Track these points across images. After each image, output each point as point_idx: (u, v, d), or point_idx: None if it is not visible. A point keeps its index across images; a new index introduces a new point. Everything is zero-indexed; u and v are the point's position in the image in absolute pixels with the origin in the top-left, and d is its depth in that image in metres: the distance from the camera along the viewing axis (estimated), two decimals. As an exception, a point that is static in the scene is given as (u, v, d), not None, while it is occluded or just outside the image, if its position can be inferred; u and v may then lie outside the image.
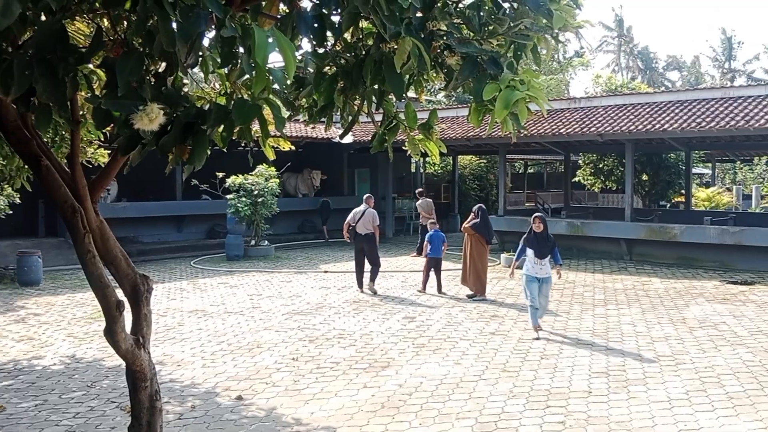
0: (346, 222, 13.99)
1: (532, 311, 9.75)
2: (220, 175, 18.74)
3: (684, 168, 23.87)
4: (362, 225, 13.69)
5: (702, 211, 24.00)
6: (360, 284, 13.78)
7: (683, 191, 24.50)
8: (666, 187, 24.95)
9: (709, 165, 35.86)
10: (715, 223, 17.98)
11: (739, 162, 39.83)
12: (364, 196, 14.52)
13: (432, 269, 13.49)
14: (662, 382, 7.61)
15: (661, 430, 6.20)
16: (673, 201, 26.59)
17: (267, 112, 3.15)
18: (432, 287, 13.47)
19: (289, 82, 3.86)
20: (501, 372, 8.02)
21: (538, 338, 9.56)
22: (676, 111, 17.57)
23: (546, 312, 10.14)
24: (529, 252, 9.74)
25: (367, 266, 13.81)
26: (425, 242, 13.66)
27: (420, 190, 20.19)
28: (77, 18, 3.79)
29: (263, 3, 3.37)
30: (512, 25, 3.34)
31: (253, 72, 2.50)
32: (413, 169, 28.57)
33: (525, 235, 10.00)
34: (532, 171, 40.80)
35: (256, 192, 18.67)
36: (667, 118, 17.20)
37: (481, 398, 7.09)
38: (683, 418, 6.45)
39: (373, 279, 13.70)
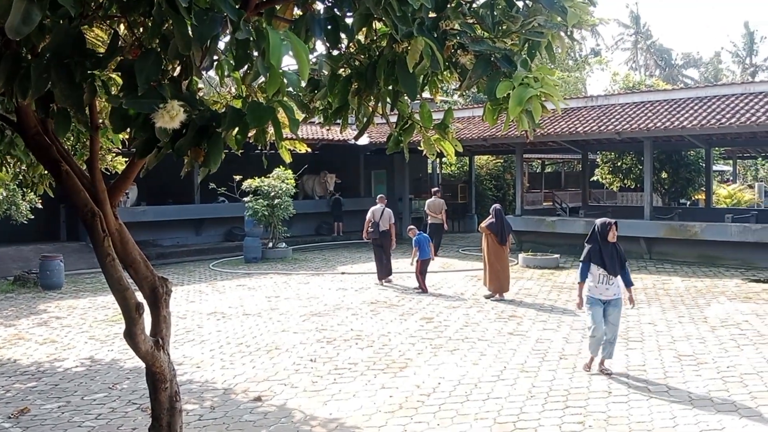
0: (367, 220, 14.91)
1: (593, 340, 7.86)
2: (237, 178, 18.85)
3: (704, 165, 23.65)
4: (382, 223, 14.73)
5: (723, 208, 23.76)
6: (380, 276, 14.88)
7: (703, 189, 24.28)
8: (686, 184, 24.71)
9: (730, 162, 35.48)
10: (737, 221, 17.79)
11: (760, 158, 39.34)
12: (378, 196, 15.78)
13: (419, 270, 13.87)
14: (683, 382, 7.54)
15: (682, 429, 6.14)
16: (693, 199, 26.35)
17: (281, 114, 3.17)
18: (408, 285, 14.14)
19: (303, 84, 3.88)
20: (519, 372, 8.00)
21: (609, 373, 7.78)
22: (695, 108, 17.42)
23: (613, 345, 7.93)
24: (594, 269, 7.89)
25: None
26: (415, 247, 13.87)
27: (435, 189, 20.35)
28: (95, 24, 3.84)
29: (278, 7, 3.40)
30: (525, 22, 3.33)
31: (267, 74, 2.52)
32: (430, 170, 28.54)
33: (588, 249, 7.99)
34: (549, 170, 40.59)
35: (272, 194, 18.76)
36: (686, 115, 17.05)
37: (499, 399, 7.07)
38: (705, 418, 6.39)
39: (387, 275, 14.90)
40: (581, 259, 8.07)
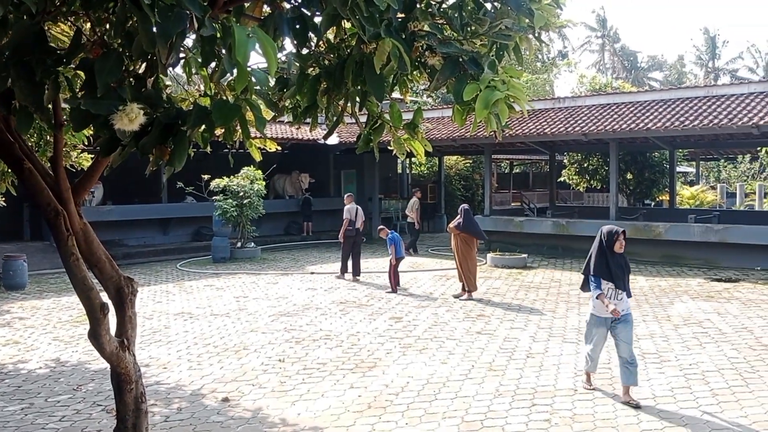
0: (347, 220, 15.23)
1: (590, 358, 7.28)
2: (206, 177, 18.70)
3: (668, 166, 24.05)
4: (358, 221, 15.34)
5: (686, 209, 24.18)
6: (343, 271, 15.43)
7: (667, 190, 24.68)
8: (650, 185, 25.12)
9: (693, 163, 36.12)
10: (700, 221, 18.13)
11: (723, 160, 40.18)
12: (347, 195, 16.17)
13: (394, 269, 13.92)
14: (647, 379, 7.65)
15: (646, 426, 6.24)
16: (657, 199, 26.79)
17: (249, 113, 3.15)
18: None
19: (272, 82, 3.87)
20: (487, 371, 8.05)
21: (592, 388, 7.29)
22: (660, 110, 17.69)
23: (635, 367, 6.97)
24: (602, 284, 7.05)
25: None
26: (391, 245, 13.87)
27: (415, 189, 21.26)
28: (60, 20, 3.78)
29: (246, 4, 3.38)
30: (493, 25, 3.36)
31: (234, 71, 2.51)
32: (399, 170, 28.59)
33: (594, 261, 7.09)
34: (517, 171, 40.94)
35: (241, 194, 18.64)
36: (651, 117, 17.32)
37: (467, 397, 7.11)
38: (668, 415, 6.50)
39: (358, 274, 15.28)
40: (592, 272, 7.09)
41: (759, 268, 15.64)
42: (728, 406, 6.74)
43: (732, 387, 7.32)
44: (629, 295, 7.21)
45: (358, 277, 15.19)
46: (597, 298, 7.05)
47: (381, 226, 15.08)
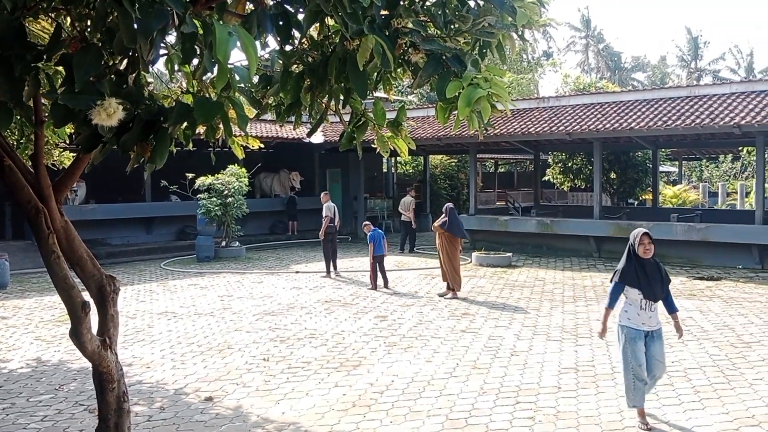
0: (329, 218, 15.42)
1: (636, 385, 6.12)
2: (190, 175, 18.59)
3: (651, 166, 24.22)
4: (336, 218, 15.69)
5: (669, 208, 24.37)
6: (332, 269, 15.58)
7: (650, 189, 24.86)
8: (633, 185, 25.30)
9: (676, 163, 36.41)
10: (682, 220, 18.26)
11: (705, 160, 40.54)
12: (324, 193, 16.57)
13: (378, 266, 13.96)
14: (630, 376, 7.69)
15: (629, 423, 6.28)
16: (640, 199, 26.97)
17: (231, 111, 3.14)
18: (380, 284, 14.04)
19: (255, 79, 3.85)
20: (471, 369, 8.07)
21: (649, 429, 6.08)
22: (643, 110, 17.81)
23: (655, 384, 6.49)
24: (632, 293, 6.24)
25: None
26: (370, 243, 13.96)
27: (409, 188, 21.28)
28: (41, 16, 3.75)
29: (229, 1, 3.36)
30: (476, 22, 3.36)
31: (215, 69, 2.49)
32: (385, 169, 28.59)
33: (621, 267, 6.28)
34: (502, 170, 41.05)
35: (225, 192, 18.56)
36: (634, 117, 17.43)
37: (451, 395, 7.13)
38: (651, 412, 6.53)
39: (335, 267, 15.70)
40: (616, 278, 6.33)
41: (740, 267, 15.80)
42: (710, 403, 6.79)
43: (714, 384, 7.38)
44: (675, 309, 6.49)
45: (338, 272, 15.52)
46: (611, 308, 6.43)
47: (366, 222, 15.10)
